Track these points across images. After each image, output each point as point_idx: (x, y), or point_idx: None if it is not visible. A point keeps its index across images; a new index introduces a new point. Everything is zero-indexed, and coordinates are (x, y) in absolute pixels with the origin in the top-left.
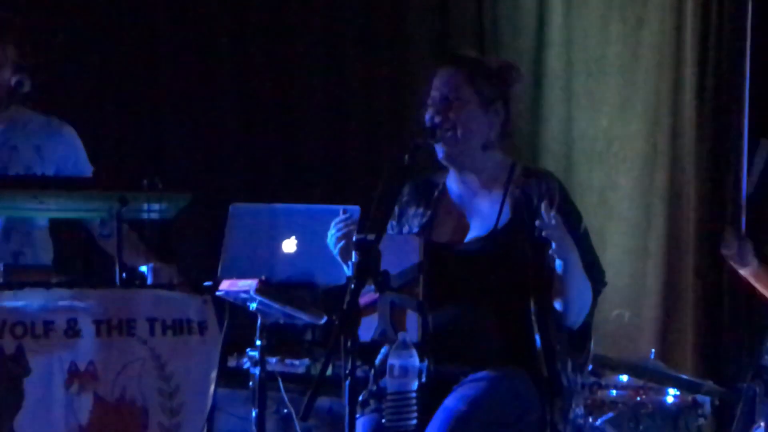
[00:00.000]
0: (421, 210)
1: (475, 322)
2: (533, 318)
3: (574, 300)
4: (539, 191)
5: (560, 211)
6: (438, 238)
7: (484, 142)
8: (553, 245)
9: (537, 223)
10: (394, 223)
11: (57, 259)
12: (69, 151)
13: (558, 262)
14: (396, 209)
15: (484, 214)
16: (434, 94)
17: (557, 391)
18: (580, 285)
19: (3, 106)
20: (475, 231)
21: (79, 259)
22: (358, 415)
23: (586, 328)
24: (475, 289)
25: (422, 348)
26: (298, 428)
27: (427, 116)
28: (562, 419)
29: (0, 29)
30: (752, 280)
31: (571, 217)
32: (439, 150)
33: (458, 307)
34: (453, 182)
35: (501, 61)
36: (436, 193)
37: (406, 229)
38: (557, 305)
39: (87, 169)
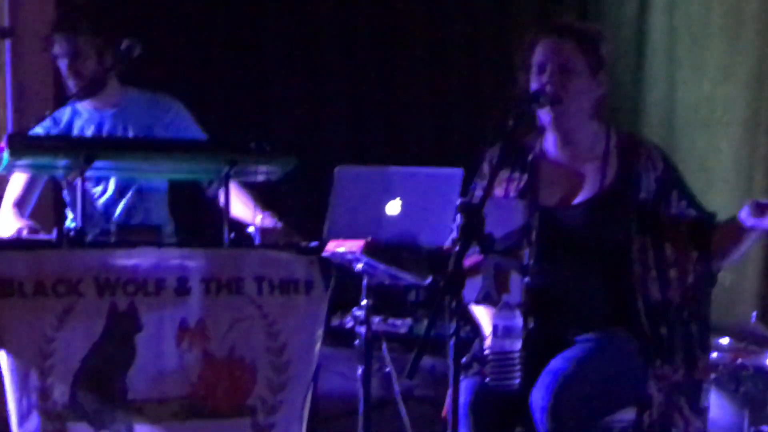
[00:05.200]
0: (516, 174)
1: (581, 283)
2: (636, 279)
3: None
4: (639, 157)
5: (668, 172)
6: (545, 201)
7: (591, 111)
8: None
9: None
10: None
11: (175, 220)
12: (180, 126)
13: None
14: (486, 169)
15: (587, 178)
16: (542, 62)
17: (658, 353)
18: None
19: (101, 87)
20: (583, 195)
21: (193, 219)
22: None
23: None
24: (582, 251)
25: (527, 308)
26: (398, 387)
27: (535, 84)
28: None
29: (74, 18)
30: None
31: (678, 174)
32: (545, 116)
33: (565, 269)
34: (552, 146)
35: (595, 28)
36: (531, 157)
37: (499, 192)
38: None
39: (201, 138)
